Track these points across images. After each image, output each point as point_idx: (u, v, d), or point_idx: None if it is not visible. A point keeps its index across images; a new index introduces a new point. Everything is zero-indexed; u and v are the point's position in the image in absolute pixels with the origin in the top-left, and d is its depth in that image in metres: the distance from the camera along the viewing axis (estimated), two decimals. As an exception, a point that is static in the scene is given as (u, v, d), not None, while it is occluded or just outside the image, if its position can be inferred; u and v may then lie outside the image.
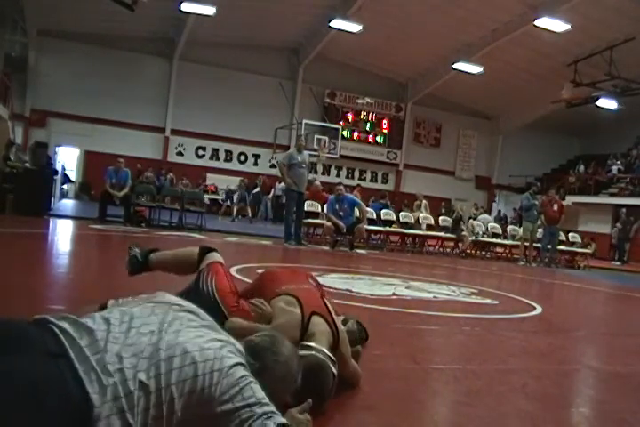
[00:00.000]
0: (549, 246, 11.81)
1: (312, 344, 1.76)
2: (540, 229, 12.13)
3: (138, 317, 1.29)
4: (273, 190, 19.02)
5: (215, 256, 2.28)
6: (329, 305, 2.01)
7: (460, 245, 12.17)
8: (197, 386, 1.19)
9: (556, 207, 11.83)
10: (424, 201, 13.66)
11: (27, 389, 1.05)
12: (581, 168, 23.01)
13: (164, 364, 1.19)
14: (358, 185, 17.21)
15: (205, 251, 2.30)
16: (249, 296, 2.22)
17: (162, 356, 1.20)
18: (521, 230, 12.39)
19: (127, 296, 1.66)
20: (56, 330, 1.19)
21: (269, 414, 1.21)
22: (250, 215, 16.80)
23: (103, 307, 1.71)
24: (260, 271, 4.94)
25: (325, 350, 1.75)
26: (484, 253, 12.72)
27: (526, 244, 11.93)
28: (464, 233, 12.00)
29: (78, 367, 1.12)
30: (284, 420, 1.23)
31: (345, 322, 2.19)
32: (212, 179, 20.17)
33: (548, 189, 16.24)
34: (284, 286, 2.10)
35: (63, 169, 17.10)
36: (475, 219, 14.46)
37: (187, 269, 2.33)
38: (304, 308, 1.91)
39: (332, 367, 1.70)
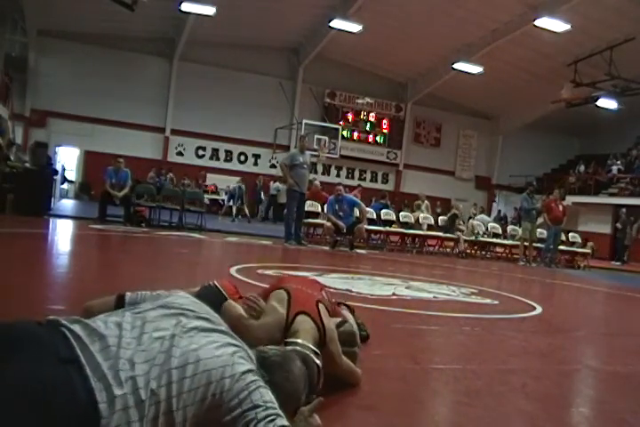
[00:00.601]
0: (552, 247, 11.82)
1: (296, 340, 1.78)
2: (539, 230, 12.12)
3: (150, 321, 1.29)
4: (269, 190, 19.08)
5: None
6: (321, 308, 2.01)
7: (459, 245, 12.15)
8: (209, 393, 1.19)
9: (561, 207, 11.86)
10: (425, 201, 13.65)
11: (34, 390, 1.03)
12: (581, 168, 23.01)
13: (176, 371, 1.18)
14: (359, 185, 17.22)
15: None
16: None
17: (174, 364, 1.19)
18: (521, 230, 12.40)
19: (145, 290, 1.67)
20: (67, 333, 1.17)
21: (272, 417, 1.21)
22: (248, 215, 16.80)
23: (121, 297, 1.71)
24: (259, 271, 4.96)
25: (308, 344, 1.76)
26: (483, 253, 12.72)
27: (526, 244, 11.93)
28: (458, 233, 11.96)
29: (89, 374, 1.10)
30: (286, 423, 1.24)
31: (341, 324, 2.18)
32: (212, 179, 20.17)
33: (547, 188, 16.25)
34: (287, 284, 2.12)
35: (63, 169, 17.10)
36: (474, 219, 14.44)
37: None
38: (291, 306, 1.93)
39: (315, 360, 1.71)
